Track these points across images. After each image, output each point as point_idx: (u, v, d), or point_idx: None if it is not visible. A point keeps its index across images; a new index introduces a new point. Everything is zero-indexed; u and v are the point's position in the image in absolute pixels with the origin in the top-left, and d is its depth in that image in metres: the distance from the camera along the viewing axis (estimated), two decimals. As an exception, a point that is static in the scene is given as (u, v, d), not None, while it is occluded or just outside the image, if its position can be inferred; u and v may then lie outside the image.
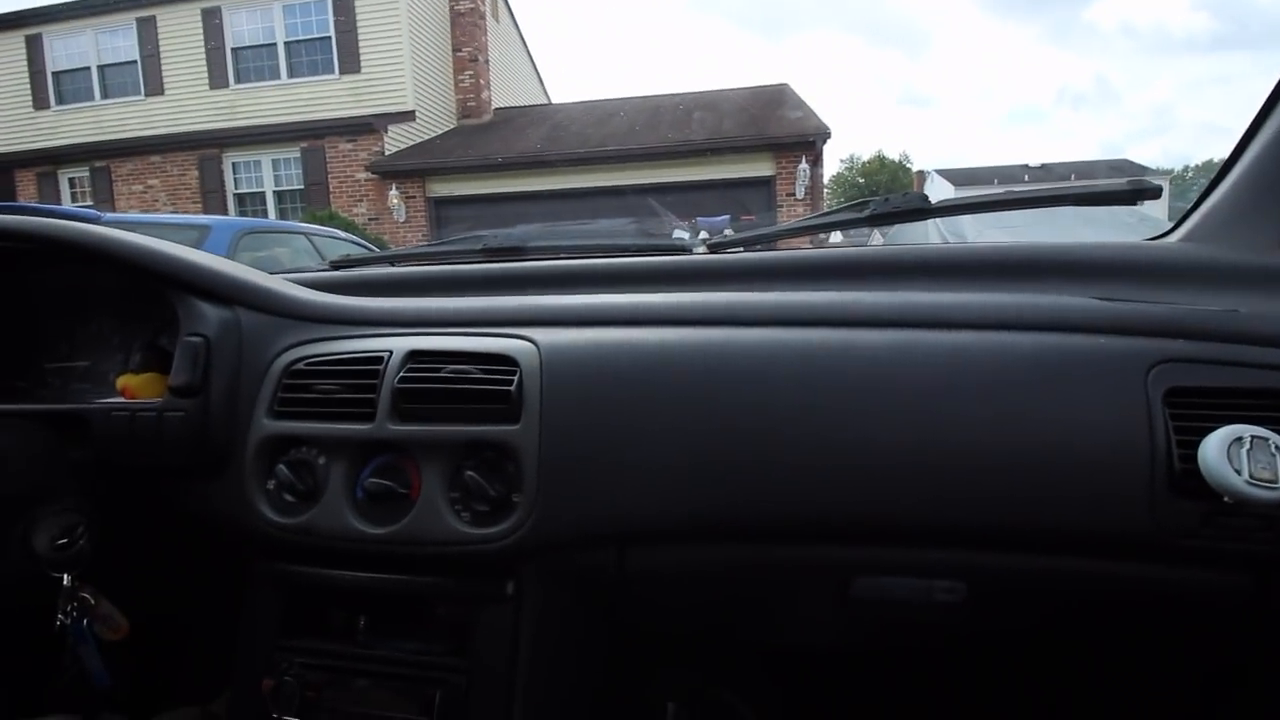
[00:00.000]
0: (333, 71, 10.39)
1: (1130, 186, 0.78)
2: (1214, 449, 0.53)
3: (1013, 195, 0.85)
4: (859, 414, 0.60)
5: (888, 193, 0.86)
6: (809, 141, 8.42)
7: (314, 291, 0.86)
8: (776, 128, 9.00)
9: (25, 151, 11.09)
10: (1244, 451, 0.52)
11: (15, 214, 2.53)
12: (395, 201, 9.38)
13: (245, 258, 3.12)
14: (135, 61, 11.02)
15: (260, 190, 10.35)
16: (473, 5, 11.49)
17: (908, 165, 46.33)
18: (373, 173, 9.61)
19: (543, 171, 9.12)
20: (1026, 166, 35.85)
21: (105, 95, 11.23)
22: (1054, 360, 0.60)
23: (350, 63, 10.34)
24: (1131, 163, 34.97)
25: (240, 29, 10.65)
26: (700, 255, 0.89)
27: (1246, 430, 0.53)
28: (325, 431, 0.69)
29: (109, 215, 2.78)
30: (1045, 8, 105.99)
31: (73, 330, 0.86)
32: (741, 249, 0.94)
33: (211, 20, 10.61)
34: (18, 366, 0.87)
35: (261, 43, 10.63)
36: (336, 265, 1.07)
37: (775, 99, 10.61)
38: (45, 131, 11.30)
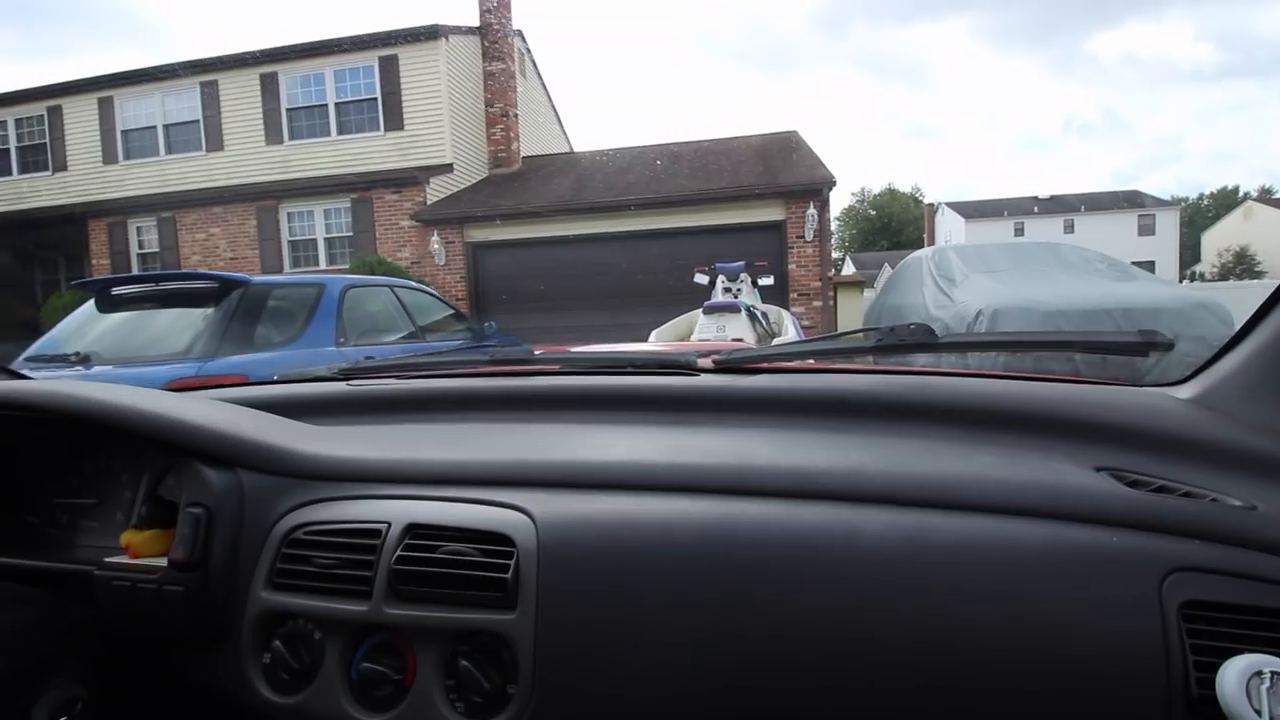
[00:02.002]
0: (378, 129, 11.37)
1: (1141, 339, 0.76)
2: (1232, 683, 0.49)
3: (1022, 338, 0.85)
4: (865, 612, 0.58)
5: (893, 327, 0.88)
6: (816, 189, 9.14)
7: (314, 432, 0.87)
8: (786, 176, 9.75)
9: (96, 202, 12.14)
10: (1264, 689, 0.48)
11: (186, 279, 3.34)
12: (436, 247, 10.21)
13: (349, 309, 3.85)
14: (198, 121, 12.11)
15: (312, 237, 11.26)
16: (504, 66, 12.51)
17: (919, 198, 46.98)
18: (416, 221, 10.47)
19: (571, 218, 9.92)
20: (1036, 198, 36.48)
21: (169, 151, 12.31)
22: (1063, 557, 0.57)
23: (394, 121, 11.31)
24: (1141, 193, 35.40)
25: (295, 91, 11.72)
26: (707, 375, 0.90)
27: (1269, 663, 0.50)
28: (323, 610, 0.68)
29: (255, 279, 3.50)
30: (1047, 41, 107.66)
31: (81, 464, 0.85)
32: (749, 367, 0.92)
33: (269, 84, 11.69)
34: (28, 500, 0.86)
35: (314, 104, 11.67)
36: (346, 374, 1.06)
37: (785, 146, 11.40)
38: (114, 184, 12.38)
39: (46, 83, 12.86)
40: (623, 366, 0.97)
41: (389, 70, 11.26)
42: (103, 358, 3.15)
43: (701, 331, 4.76)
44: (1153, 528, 0.57)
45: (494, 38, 12.48)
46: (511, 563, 0.65)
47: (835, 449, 0.73)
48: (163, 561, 0.72)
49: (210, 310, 3.29)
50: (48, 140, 12.90)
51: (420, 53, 11.19)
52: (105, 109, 12.49)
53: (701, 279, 5.77)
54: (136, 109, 12.46)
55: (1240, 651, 0.51)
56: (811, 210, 9.09)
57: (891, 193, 49.04)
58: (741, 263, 5.67)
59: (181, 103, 12.26)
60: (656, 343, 4.03)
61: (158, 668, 0.76)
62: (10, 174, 13.01)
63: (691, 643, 0.60)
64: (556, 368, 1.01)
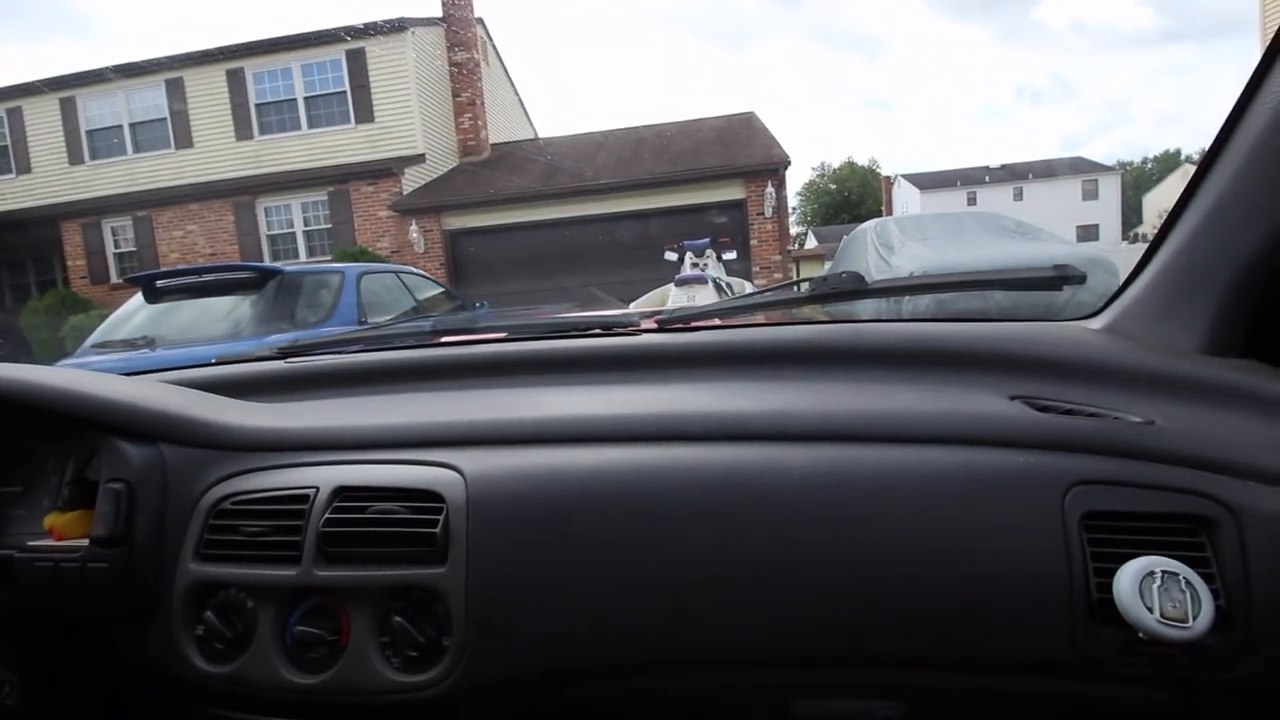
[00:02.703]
0: (349, 121, 11.66)
1: (1055, 274, 0.80)
2: (1127, 584, 0.53)
3: (946, 279, 0.88)
4: (790, 542, 0.60)
5: (825, 276, 0.93)
6: (773, 169, 9.82)
7: (245, 407, 0.86)
8: (745, 157, 10.41)
9: (66, 204, 12.19)
10: (1155, 587, 0.52)
11: (229, 270, 4.00)
12: (415, 235, 10.64)
13: (366, 291, 4.40)
14: (165, 119, 12.21)
15: (291, 231, 11.56)
16: (469, 55, 12.83)
17: (877, 170, 48.08)
18: (394, 211, 10.87)
19: (543, 204, 10.44)
20: (987, 168, 37.91)
21: (137, 150, 12.40)
22: (975, 479, 0.60)
23: (365, 113, 11.61)
24: (1085, 159, 37.08)
25: (263, 86, 11.90)
26: (649, 334, 0.91)
27: (1159, 564, 0.53)
28: (253, 577, 0.68)
29: (288, 268, 4.03)
30: (996, 8, 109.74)
31: (3, 452, 0.82)
32: (689, 325, 0.93)
33: (235, 79, 11.85)
34: None
35: (283, 98, 11.88)
36: (285, 352, 1.04)
37: (744, 127, 12.03)
38: (82, 184, 12.43)
39: (3, 84, 12.77)
40: (566, 330, 0.99)
41: (357, 64, 11.53)
42: (165, 340, 3.67)
43: (674, 301, 5.39)
44: (1058, 447, 0.61)
45: (457, 27, 12.77)
46: (440, 518, 0.65)
47: (766, 394, 0.75)
48: (86, 541, 0.71)
49: (253, 296, 3.83)
50: (9, 142, 12.85)
51: (387, 46, 11.48)
52: (68, 109, 12.49)
53: (671, 256, 6.39)
54: (100, 108, 12.49)
55: (1137, 556, 0.54)
56: (770, 189, 9.77)
57: (851, 166, 50.08)
58: (706, 239, 6.31)
59: (147, 100, 12.34)
60: (636, 308, 4.65)
61: (89, 646, 0.75)
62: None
63: (621, 583, 0.61)
64: (501, 335, 1.01)
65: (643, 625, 0.62)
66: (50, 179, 12.60)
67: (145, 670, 0.72)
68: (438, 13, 12.81)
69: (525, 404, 0.80)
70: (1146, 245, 0.75)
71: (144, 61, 12.21)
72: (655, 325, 0.94)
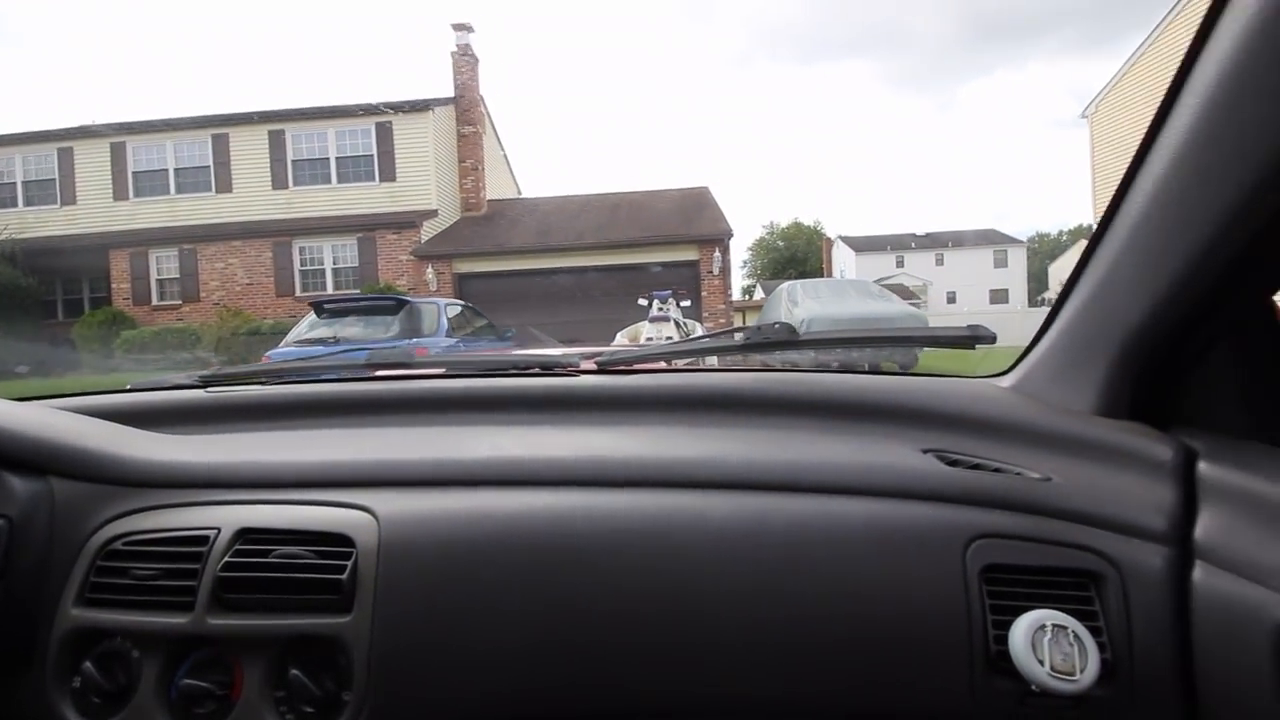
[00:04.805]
0: (374, 179, 14.08)
1: (969, 333, 0.84)
2: (1020, 637, 0.55)
3: (872, 334, 0.95)
4: (707, 593, 0.60)
5: (759, 325, 0.94)
6: (720, 239, 12.71)
7: (152, 439, 0.81)
8: (698, 228, 13.30)
9: (110, 233, 14.06)
10: (1046, 640, 0.54)
11: (377, 298, 6.77)
12: (430, 276, 13.02)
13: (450, 316, 6.79)
14: (208, 166, 14.35)
15: (322, 268, 13.79)
16: (474, 129, 15.49)
17: (820, 230, 52.54)
18: (414, 256, 13.27)
19: (537, 256, 13.02)
20: (914, 235, 42.70)
21: (179, 191, 14.44)
22: (885, 531, 0.62)
23: (388, 173, 14.06)
24: (997, 232, 42.08)
25: (300, 146, 14.23)
26: (587, 376, 0.91)
27: (1050, 617, 0.55)
28: (139, 624, 0.63)
29: (412, 299, 6.42)
30: (934, 85, 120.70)
31: None
32: (629, 368, 0.94)
33: (277, 139, 14.15)
34: None
35: (317, 157, 14.22)
36: (207, 381, 0.97)
37: (699, 201, 14.98)
38: (124, 217, 14.35)
39: (59, 126, 14.67)
40: (504, 368, 0.99)
41: (384, 133, 14.03)
42: (341, 340, 6.00)
43: (646, 335, 7.91)
44: (962, 500, 0.63)
45: (466, 105, 15.45)
46: (349, 563, 0.63)
47: (696, 440, 0.76)
48: None
49: (391, 315, 6.22)
50: (56, 176, 14.66)
51: (411, 121, 14.06)
52: (117, 153, 14.48)
53: (643, 302, 8.98)
54: (149, 154, 14.48)
55: (1032, 608, 0.56)
56: (717, 253, 12.62)
57: (797, 226, 54.55)
58: (669, 291, 8.92)
59: (193, 151, 14.45)
60: (621, 339, 7.12)
61: None
62: (35, 204, 14.57)
63: (538, 634, 0.60)
64: (439, 371, 1.00)
65: (560, 679, 0.60)
66: (94, 211, 14.46)
67: None
68: (449, 84, 15.46)
69: (452, 444, 0.78)
70: (1049, 309, 0.79)
71: (193, 118, 14.40)
72: (595, 366, 0.93)
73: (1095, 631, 0.56)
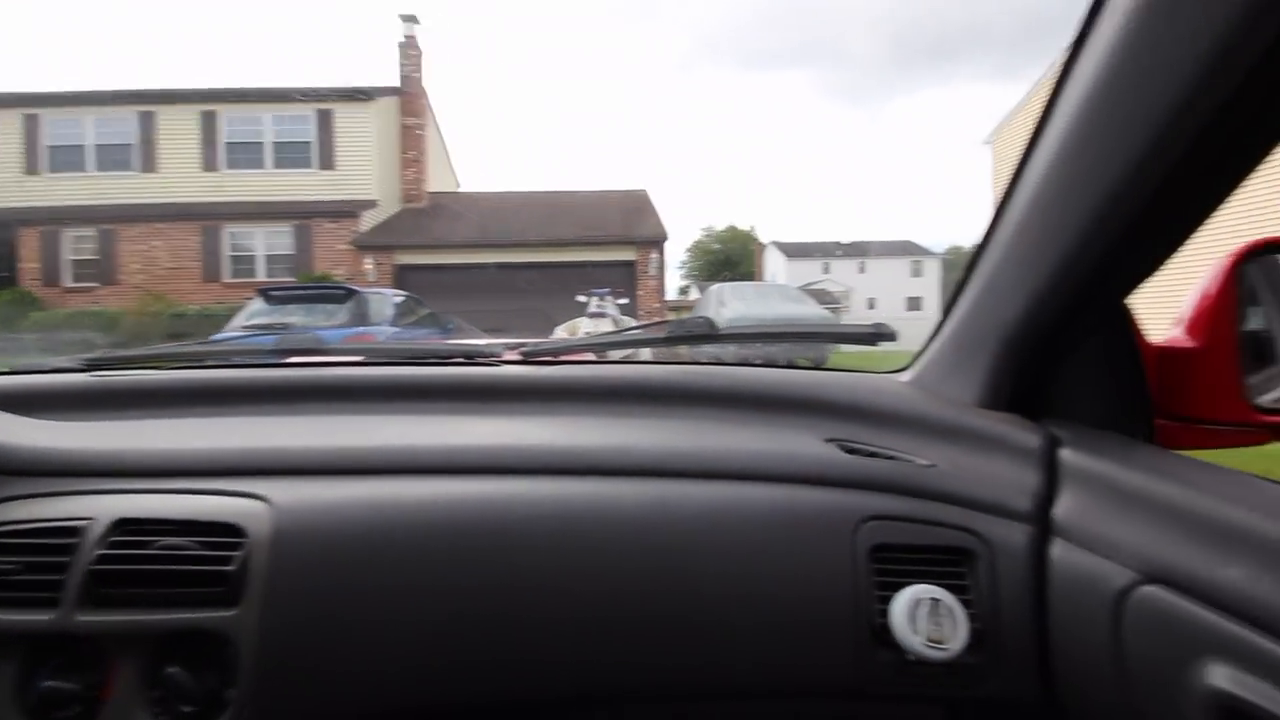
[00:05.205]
0: (312, 166, 13.94)
1: (873, 331, 0.92)
2: (899, 610, 0.59)
3: (786, 329, 1.10)
4: (613, 577, 0.62)
5: (683, 319, 1.00)
6: (657, 241, 13.36)
7: (27, 424, 0.76)
8: (637, 230, 13.91)
9: (19, 209, 13.34)
10: (922, 613, 0.59)
11: (326, 286, 7.23)
12: (369, 267, 13.06)
13: (396, 305, 7.09)
14: (132, 144, 13.80)
15: (253, 254, 13.57)
16: (417, 120, 15.55)
17: (754, 235, 54.24)
18: (354, 246, 13.26)
19: (479, 250, 13.29)
20: (839, 243, 44.97)
21: (99, 168, 13.83)
22: (786, 514, 0.65)
23: (327, 161, 13.96)
24: (914, 244, 44.82)
25: (235, 129, 13.92)
26: (510, 366, 0.90)
27: (926, 592, 0.60)
28: None
29: (360, 289, 6.70)
30: (868, 99, 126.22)
31: None
32: (555, 359, 0.94)
33: (209, 120, 13.79)
34: None
35: (252, 141, 13.95)
36: (92, 364, 0.90)
37: (638, 204, 15.59)
38: (37, 194, 13.64)
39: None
40: (425, 357, 0.98)
41: (325, 121, 13.92)
42: (286, 327, 6.23)
43: (585, 329, 8.40)
44: (857, 485, 0.67)
45: (410, 98, 15.49)
46: (238, 554, 0.60)
47: (612, 430, 0.78)
48: None
49: (339, 304, 6.50)
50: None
51: (354, 110, 14.02)
52: (30, 125, 13.73)
53: (582, 298, 9.48)
54: (66, 128, 13.79)
55: (912, 584, 0.61)
56: (654, 255, 13.26)
57: (733, 230, 56.18)
58: (607, 289, 9.47)
59: (115, 127, 13.85)
60: (559, 333, 7.61)
61: None
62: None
63: (442, 624, 0.59)
64: (356, 359, 0.98)
65: (461, 668, 0.60)
66: (1, 185, 13.65)
67: None
68: (394, 75, 15.45)
69: (360, 432, 0.76)
70: None
71: (117, 92, 13.82)
72: (519, 357, 0.93)
73: (967, 604, 0.61)
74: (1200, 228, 0.56)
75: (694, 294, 39.71)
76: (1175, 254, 0.59)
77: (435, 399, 0.85)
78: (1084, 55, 0.53)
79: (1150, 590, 0.52)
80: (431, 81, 18.16)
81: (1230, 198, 0.53)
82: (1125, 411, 0.70)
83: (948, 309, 0.80)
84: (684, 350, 1.25)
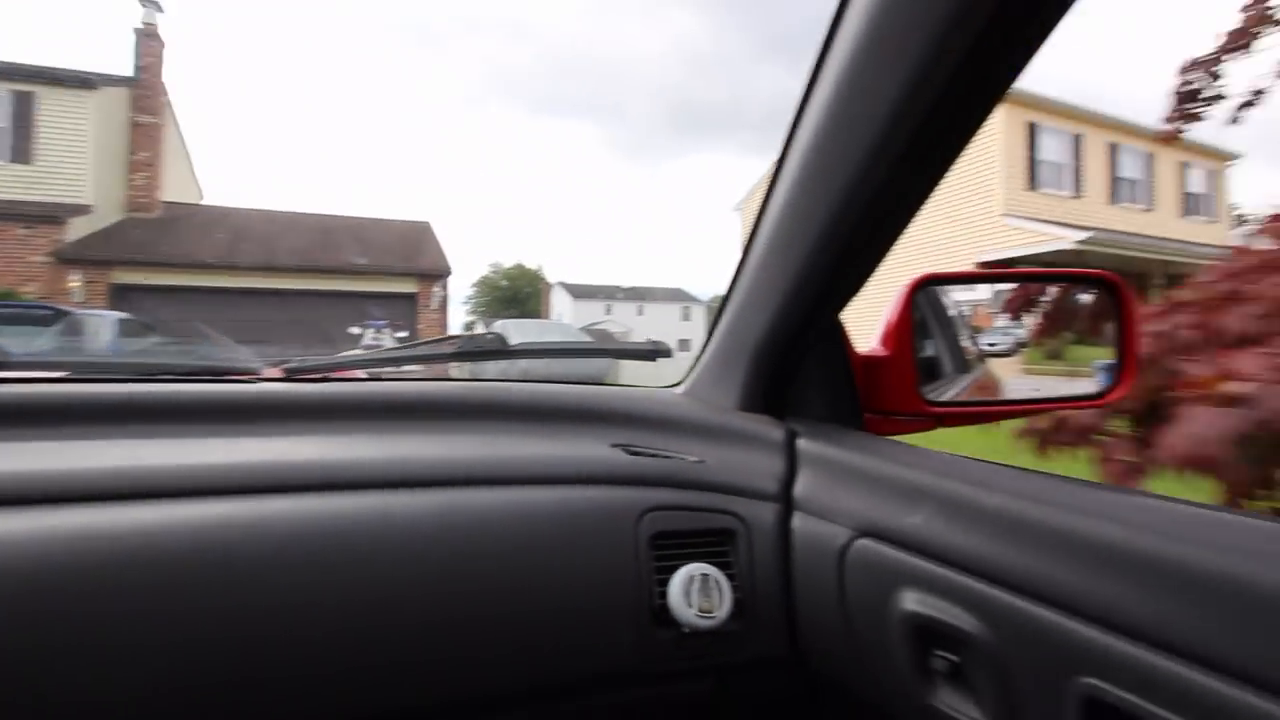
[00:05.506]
0: (3, 158, 11.30)
1: (650, 348, 1.02)
2: (675, 587, 0.66)
3: (568, 346, 1.05)
4: (389, 590, 0.59)
5: (472, 334, 1.06)
6: (440, 275, 13.13)
7: None
8: (420, 262, 13.52)
9: None
10: (694, 588, 0.66)
11: (32, 307, 6.21)
12: (75, 285, 10.84)
13: (124, 326, 6.15)
14: None
15: (-103, 257, 10.45)
16: (154, 120, 13.48)
17: (542, 275, 55.23)
18: (55, 259, 10.91)
19: (230, 273, 11.81)
20: (619, 287, 48.09)
21: None
22: (572, 513, 0.69)
23: (21, 153, 11.42)
24: (683, 291, 49.73)
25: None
26: (270, 384, 0.83)
27: (697, 569, 0.67)
28: None
29: (73, 310, 5.67)
30: (653, 154, 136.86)
31: None
32: (324, 376, 0.89)
33: None
34: None
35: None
36: None
37: (421, 236, 15.16)
38: None
39: None
40: (159, 372, 0.84)
41: (24, 103, 11.42)
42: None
43: (359, 361, 8.04)
44: (638, 482, 0.73)
45: (146, 91, 13.38)
46: None
47: (388, 444, 0.74)
48: None
49: (42, 327, 5.45)
50: None
51: (67, 97, 11.71)
52: None
53: (356, 330, 9.00)
54: None
55: (686, 564, 0.68)
56: (437, 289, 12.99)
57: (521, 268, 56.57)
58: (385, 321, 9.13)
59: None
60: None
61: None
62: None
63: (180, 669, 0.53)
64: (61, 375, 0.82)
65: (204, 692, 0.53)
66: None
67: None
68: (128, 64, 13.26)
69: (70, 456, 0.64)
70: None
71: None
72: (282, 374, 0.87)
73: (731, 577, 0.68)
74: (885, 258, 0.71)
75: (479, 329, 38.95)
76: (871, 278, 0.73)
77: (178, 419, 0.74)
78: (801, 126, 0.66)
79: (862, 543, 0.62)
80: (177, 78, 15.77)
81: (904, 235, 0.68)
82: (843, 407, 0.83)
83: (711, 331, 0.91)
84: (468, 372, 1.26)
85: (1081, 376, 0.89)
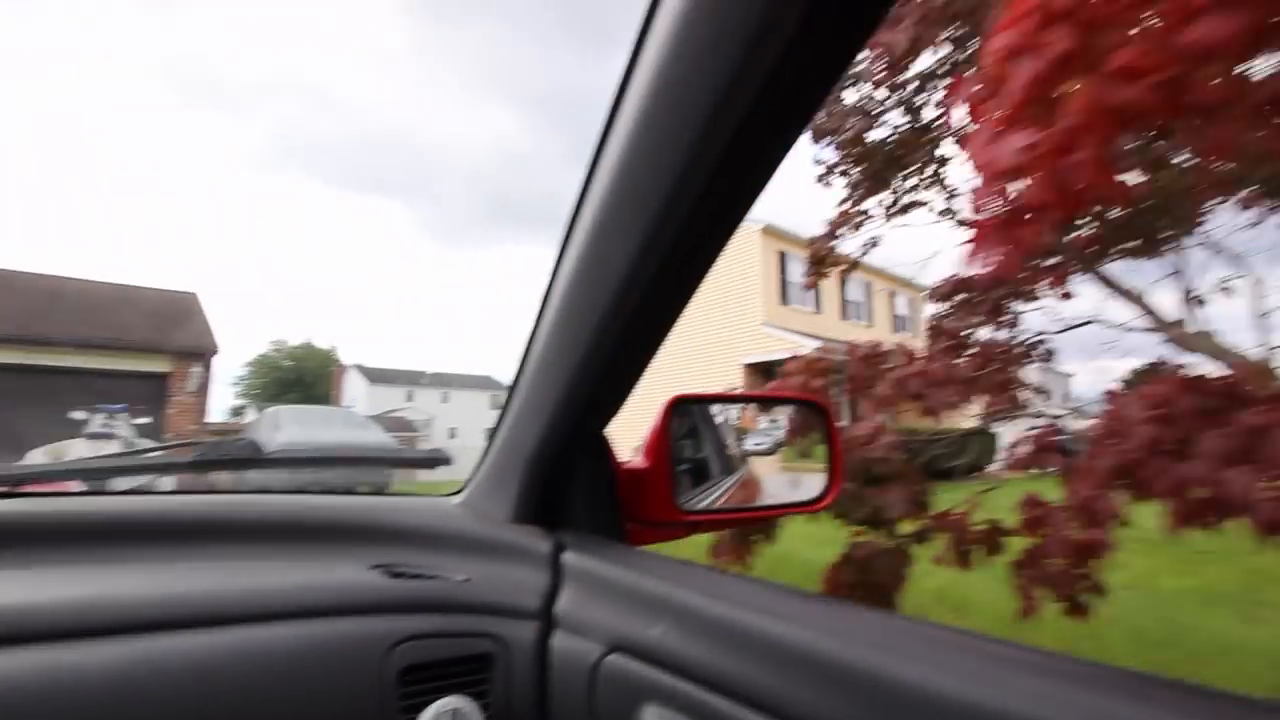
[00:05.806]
0: None
1: (429, 456, 0.96)
2: None
3: (342, 454, 0.96)
4: None
5: (220, 441, 1.21)
6: (202, 353, 11.79)
7: None
8: (178, 338, 11.89)
9: None
10: None
11: None
12: None
13: None
14: None
15: None
16: None
17: (335, 356, 51.18)
18: None
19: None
20: (423, 373, 46.12)
21: None
22: (311, 650, 0.63)
23: None
24: (492, 379, 49.22)
25: None
26: None
27: (448, 705, 0.63)
28: None
29: None
30: (456, 243, 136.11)
31: None
32: (15, 490, 0.77)
33: None
34: None
35: None
36: None
37: (182, 309, 13.44)
38: None
39: None
40: None
41: None
42: None
43: (79, 451, 6.83)
44: (393, 609, 0.68)
45: None
46: None
47: (92, 580, 0.62)
48: None
49: None
50: None
51: None
52: None
53: (80, 415, 7.69)
54: None
55: (438, 698, 0.64)
56: (195, 369, 11.59)
57: (309, 348, 51.84)
58: (124, 406, 7.92)
59: None
60: (37, 457, 6.02)
61: None
62: None
63: None
64: None
65: None
66: None
67: None
68: None
69: None
70: None
71: None
72: None
73: (485, 707, 0.66)
74: (644, 373, 0.75)
75: (251, 415, 34.68)
76: (630, 395, 0.78)
77: None
78: (569, 244, 0.68)
79: (612, 658, 0.62)
80: None
81: (681, 340, 0.93)
82: (606, 518, 0.83)
83: (491, 438, 0.88)
84: (225, 479, 1.10)
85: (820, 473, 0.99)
